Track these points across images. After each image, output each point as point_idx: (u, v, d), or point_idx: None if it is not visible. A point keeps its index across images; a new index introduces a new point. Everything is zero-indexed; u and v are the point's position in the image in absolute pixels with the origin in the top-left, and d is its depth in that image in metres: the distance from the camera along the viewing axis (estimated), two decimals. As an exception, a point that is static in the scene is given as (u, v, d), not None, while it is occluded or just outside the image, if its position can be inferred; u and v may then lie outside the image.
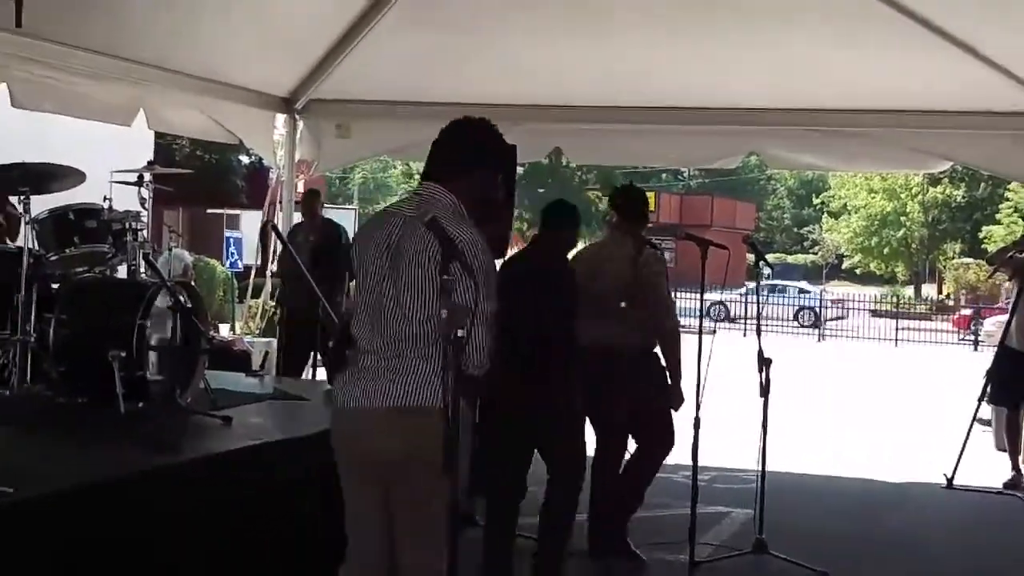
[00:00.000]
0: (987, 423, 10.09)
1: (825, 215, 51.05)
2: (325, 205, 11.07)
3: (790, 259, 57.37)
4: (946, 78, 8.60)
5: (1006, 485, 8.89)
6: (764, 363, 6.38)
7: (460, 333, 3.39)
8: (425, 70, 9.51)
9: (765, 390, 6.40)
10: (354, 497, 3.93)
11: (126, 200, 6.32)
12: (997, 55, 8.22)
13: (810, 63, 8.69)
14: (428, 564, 3.64)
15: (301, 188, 14.98)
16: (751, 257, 6.79)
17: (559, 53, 9.02)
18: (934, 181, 42.25)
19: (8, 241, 6.68)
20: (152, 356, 5.76)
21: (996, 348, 9.50)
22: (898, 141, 9.25)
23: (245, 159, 26.11)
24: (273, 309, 12.11)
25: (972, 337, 26.54)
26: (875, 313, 33.55)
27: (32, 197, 5.71)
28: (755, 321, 6.62)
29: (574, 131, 9.87)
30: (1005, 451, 9.26)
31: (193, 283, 6.59)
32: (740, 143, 9.68)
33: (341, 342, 3.97)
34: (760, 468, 6.47)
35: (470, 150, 3.99)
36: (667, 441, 6.32)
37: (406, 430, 3.64)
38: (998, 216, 39.44)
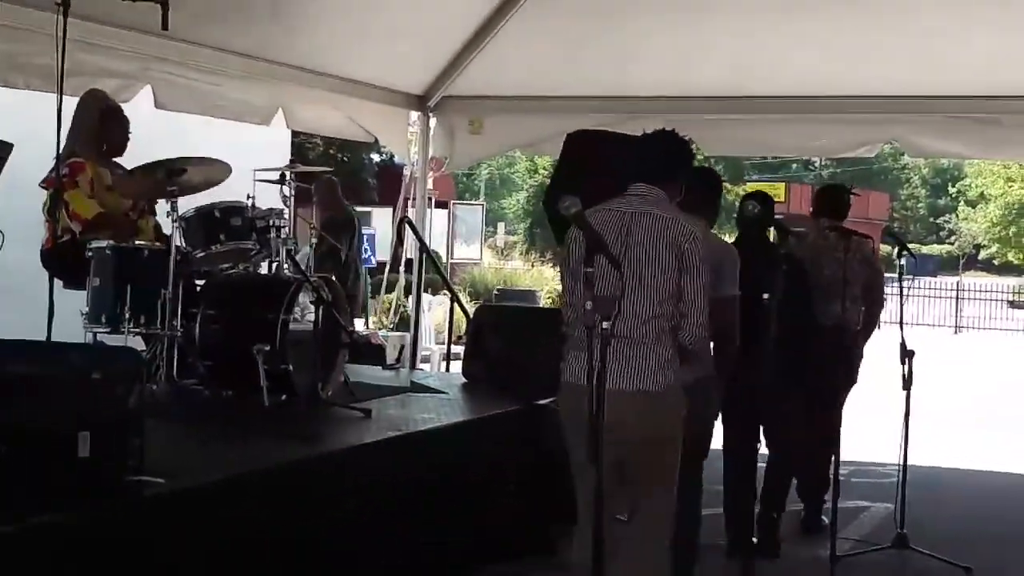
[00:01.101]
0: None
1: (961, 204, 49.79)
2: (453, 201, 11.15)
3: (925, 249, 56.11)
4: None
5: None
6: (907, 355, 6.26)
7: (605, 324, 3.61)
8: (556, 64, 9.52)
9: (908, 382, 6.27)
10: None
11: (267, 199, 6.47)
12: None
13: (950, 48, 8.48)
14: (666, 511, 4.34)
15: (430, 184, 15.13)
16: (884, 248, 6.70)
17: (691, 41, 8.95)
18: (1076, 168, 40.92)
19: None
20: (295, 350, 5.89)
21: None
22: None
23: (376, 157, 26.46)
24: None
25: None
26: (1013, 304, 32.65)
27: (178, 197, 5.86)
28: (898, 312, 6.48)
29: (707, 122, 9.77)
30: None
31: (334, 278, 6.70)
32: (878, 131, 9.47)
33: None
34: (902, 461, 6.35)
35: (676, 158, 4.79)
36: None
37: (643, 413, 4.17)
38: None
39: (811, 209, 7.42)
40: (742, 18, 8.62)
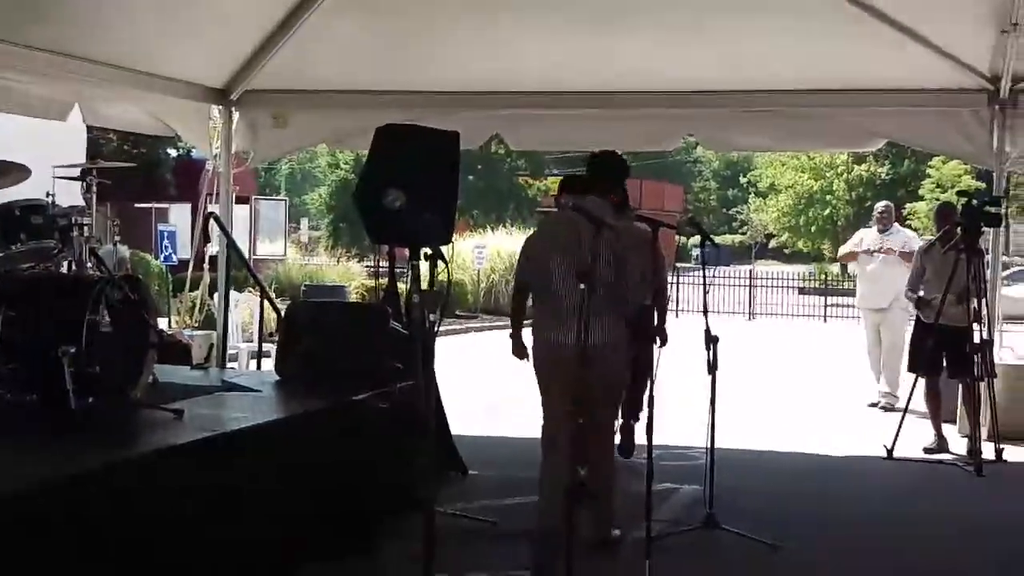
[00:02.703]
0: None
1: (752, 195, 51.56)
2: (255, 197, 11.01)
3: (718, 239, 57.76)
4: (877, 57, 8.78)
5: (926, 450, 9.26)
6: (711, 341, 6.47)
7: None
8: (361, 59, 9.51)
9: (713, 367, 6.49)
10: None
11: (65, 195, 6.27)
12: (932, 34, 8.44)
13: (749, 45, 8.81)
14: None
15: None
16: (679, 238, 6.92)
17: (496, 37, 9.05)
18: (859, 159, 42.80)
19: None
20: (102, 351, 5.72)
21: (914, 322, 9.83)
22: (834, 120, 9.42)
23: (173, 152, 25.84)
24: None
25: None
26: (802, 291, 33.95)
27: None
28: (702, 300, 6.69)
29: (513, 117, 9.91)
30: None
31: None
32: (678, 125, 9.80)
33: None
34: (709, 444, 6.57)
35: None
36: None
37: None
38: (921, 192, 40.04)
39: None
40: (547, 16, 8.75)
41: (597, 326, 5.81)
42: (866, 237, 12.21)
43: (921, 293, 9.52)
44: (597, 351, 5.81)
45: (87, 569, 4.32)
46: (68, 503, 4.33)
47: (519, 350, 6.75)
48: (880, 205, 12.60)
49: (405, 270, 9.10)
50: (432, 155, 7.29)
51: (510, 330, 6.82)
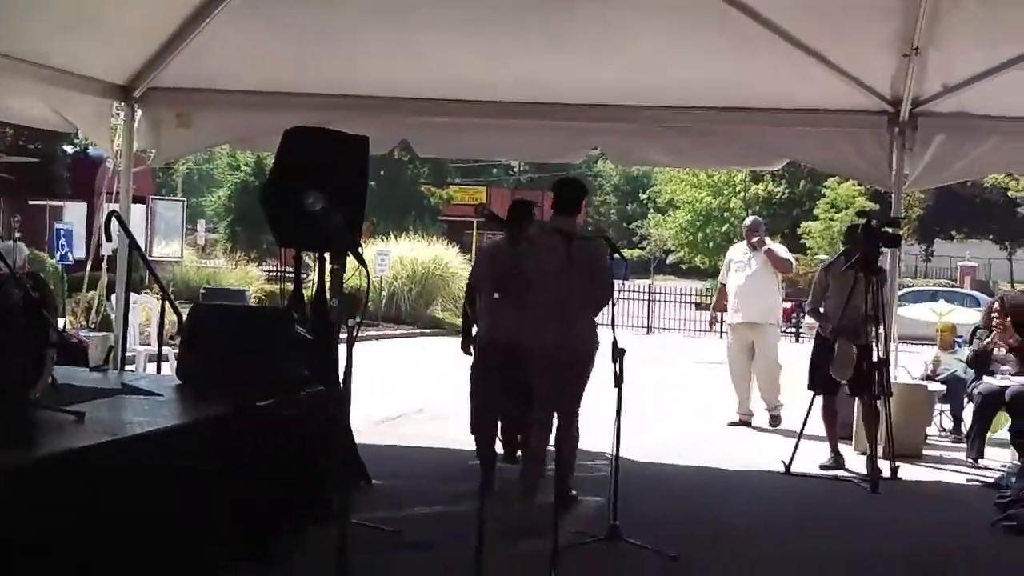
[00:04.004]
0: None
1: (652, 211, 52.04)
2: (152, 197, 10.84)
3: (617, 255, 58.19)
4: (782, 77, 8.93)
5: (823, 467, 9.38)
6: (618, 353, 6.50)
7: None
8: (269, 60, 9.41)
9: (619, 380, 6.51)
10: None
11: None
12: (836, 57, 8.60)
13: (656, 61, 8.90)
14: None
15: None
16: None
17: (405, 42, 9.00)
18: (756, 178, 43.44)
19: None
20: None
21: (814, 339, 9.98)
22: (738, 138, 9.54)
23: (70, 148, 25.28)
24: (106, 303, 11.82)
25: (793, 329, 27.39)
26: (698, 306, 34.37)
27: None
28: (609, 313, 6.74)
29: (421, 125, 9.88)
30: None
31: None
32: (584, 138, 9.85)
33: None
34: (614, 455, 6.60)
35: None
36: None
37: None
38: (816, 211, 40.79)
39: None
40: (457, 23, 8.74)
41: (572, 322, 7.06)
42: (734, 252, 12.21)
43: (822, 309, 9.67)
44: (571, 343, 7.01)
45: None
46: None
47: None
48: (748, 220, 12.62)
49: (307, 275, 9.03)
50: (341, 159, 7.27)
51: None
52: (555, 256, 6.90)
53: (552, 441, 7.43)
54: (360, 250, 5.70)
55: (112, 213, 7.92)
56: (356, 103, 9.61)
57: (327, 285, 6.91)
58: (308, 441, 6.27)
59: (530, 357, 7.41)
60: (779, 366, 11.62)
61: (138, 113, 9.99)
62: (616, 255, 7.01)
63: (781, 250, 11.97)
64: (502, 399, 8.02)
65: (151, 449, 5.43)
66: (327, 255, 7.00)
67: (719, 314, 12.42)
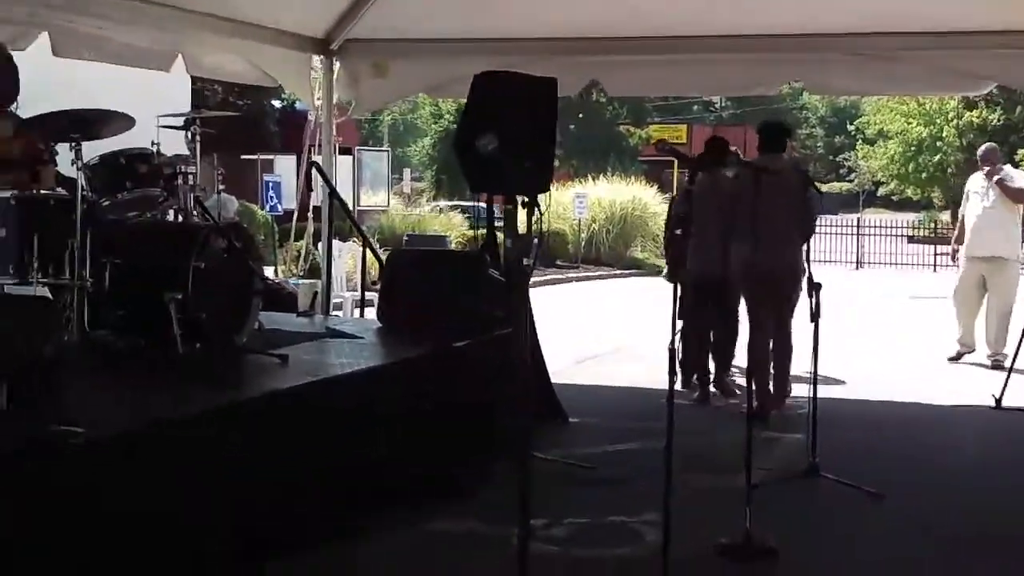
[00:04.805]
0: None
1: (860, 142, 50.58)
2: (358, 148, 11.11)
3: (825, 188, 56.93)
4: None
5: None
6: (814, 288, 6.40)
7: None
8: (460, 6, 9.46)
9: (815, 315, 6.41)
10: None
11: (170, 146, 6.37)
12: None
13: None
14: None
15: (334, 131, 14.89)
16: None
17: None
18: (969, 105, 41.63)
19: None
20: (207, 297, 5.83)
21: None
22: (939, 63, 9.16)
23: (278, 103, 26.09)
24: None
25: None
26: (911, 239, 33.32)
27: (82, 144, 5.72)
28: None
29: (610, 64, 9.81)
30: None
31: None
32: (781, 70, 9.61)
33: None
34: (811, 392, 6.50)
35: None
36: None
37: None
38: (1034, 137, 39.03)
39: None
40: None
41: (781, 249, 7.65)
42: (973, 182, 11.55)
43: None
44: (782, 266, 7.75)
45: (194, 508, 4.43)
46: (174, 444, 4.43)
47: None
48: (982, 148, 11.96)
49: (503, 219, 9.11)
50: (530, 102, 7.26)
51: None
52: (761, 190, 6.93)
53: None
54: (544, 193, 5.74)
55: (312, 163, 8.16)
56: (546, 46, 9.58)
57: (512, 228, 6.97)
58: (501, 380, 6.36)
59: (743, 282, 8.28)
60: (1010, 308, 10.88)
61: (336, 65, 10.21)
62: (813, 189, 6.91)
63: (1018, 178, 11.20)
64: (713, 324, 8.92)
65: (351, 389, 5.62)
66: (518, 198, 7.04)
67: (959, 247, 11.68)
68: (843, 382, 9.80)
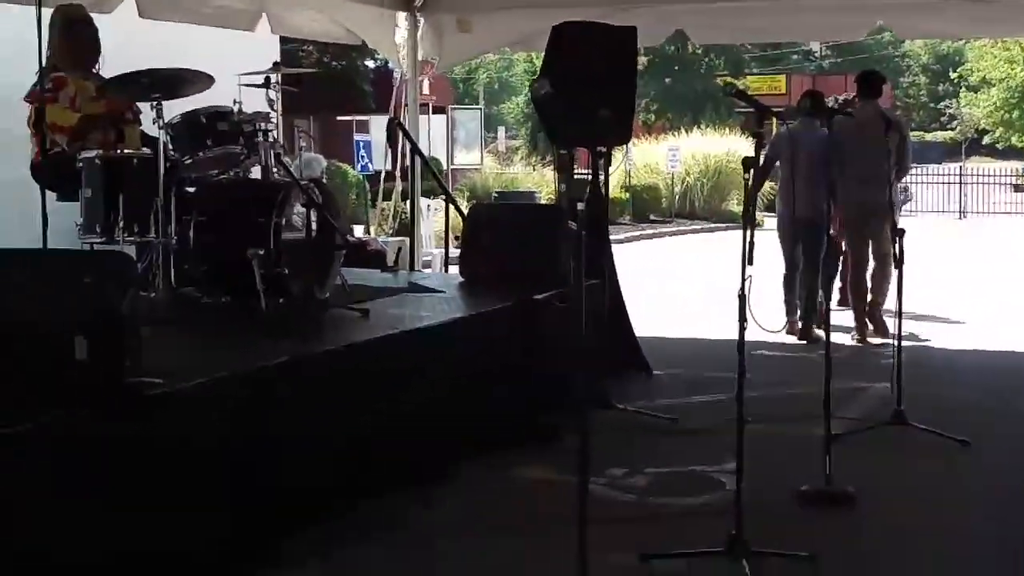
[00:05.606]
0: None
1: (963, 89, 49.36)
2: (452, 107, 11.15)
3: (928, 136, 55.69)
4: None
5: None
6: (897, 234, 6.31)
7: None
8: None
9: (899, 261, 6.32)
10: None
11: (255, 105, 6.44)
12: None
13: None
14: None
15: (427, 88, 14.94)
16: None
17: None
18: (1077, 48, 40.46)
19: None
20: (290, 253, 5.91)
21: None
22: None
23: (371, 64, 26.22)
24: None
25: None
26: (1017, 188, 32.55)
27: (163, 103, 5.83)
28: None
29: (694, 11, 9.70)
30: None
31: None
32: (866, 14, 9.42)
33: None
34: (896, 337, 6.42)
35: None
36: None
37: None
38: None
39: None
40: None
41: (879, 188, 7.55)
42: None
43: None
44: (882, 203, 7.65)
45: (274, 460, 4.52)
46: (254, 392, 4.53)
47: None
48: None
49: (587, 172, 9.10)
50: (609, 52, 7.24)
51: None
52: (860, 133, 8.16)
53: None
54: (626, 143, 5.76)
55: (392, 120, 8.20)
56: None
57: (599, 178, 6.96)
58: (582, 332, 6.36)
59: (843, 222, 9.24)
60: None
61: (420, 22, 10.24)
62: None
63: None
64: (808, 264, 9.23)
65: (429, 341, 5.68)
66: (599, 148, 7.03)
67: None
68: (962, 322, 9.87)
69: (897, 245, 6.28)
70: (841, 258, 9.55)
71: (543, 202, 18.24)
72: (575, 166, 7.98)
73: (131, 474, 3.87)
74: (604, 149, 6.74)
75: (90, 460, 3.73)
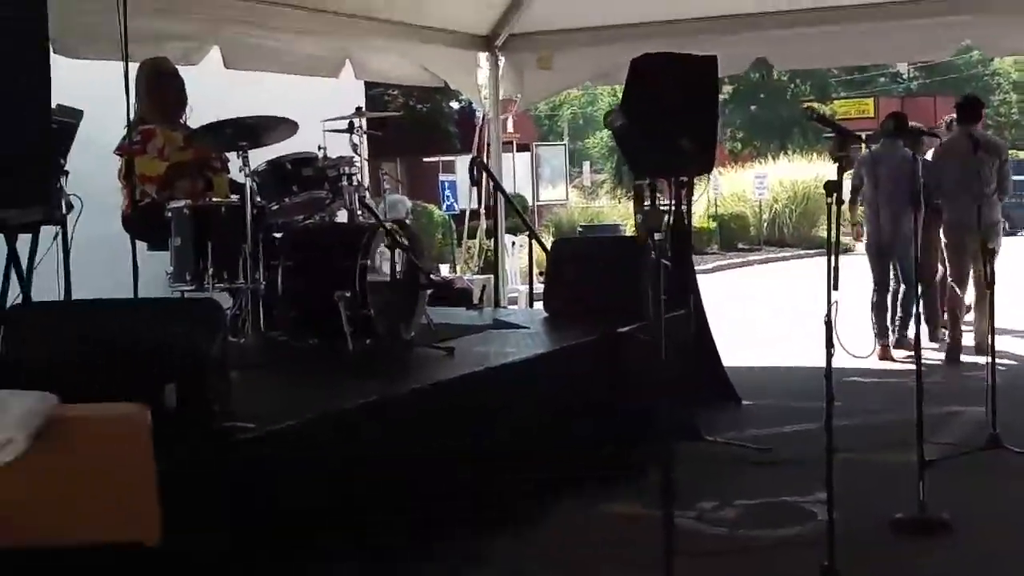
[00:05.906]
0: None
1: (1058, 106, 48.48)
2: (536, 143, 11.24)
3: (1022, 155, 54.69)
4: None
5: None
6: (987, 255, 6.22)
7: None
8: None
9: (990, 282, 6.23)
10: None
11: (340, 150, 6.56)
12: None
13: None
14: None
15: (511, 126, 15.04)
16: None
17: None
18: None
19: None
20: (375, 295, 5.98)
21: None
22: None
23: (455, 104, 26.49)
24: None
25: None
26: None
27: (249, 151, 5.95)
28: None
29: (774, 38, 9.66)
30: None
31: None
32: (951, 32, 9.30)
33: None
34: (990, 359, 6.31)
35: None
36: None
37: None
38: None
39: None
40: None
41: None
42: None
43: None
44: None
45: (368, 497, 4.57)
46: (342, 433, 4.58)
47: None
48: None
49: (668, 203, 9.09)
50: (687, 82, 7.25)
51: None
52: (953, 156, 8.61)
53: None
54: (709, 172, 5.77)
55: (474, 159, 8.28)
56: (708, 25, 9.51)
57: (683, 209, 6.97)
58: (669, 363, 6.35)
59: (945, 237, 9.43)
60: None
61: (501, 61, 10.34)
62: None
63: None
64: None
65: (515, 377, 5.71)
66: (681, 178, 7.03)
67: None
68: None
69: (989, 266, 6.19)
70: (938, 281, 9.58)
71: (626, 234, 18.23)
72: (658, 196, 7.99)
73: (223, 517, 3.93)
74: (686, 179, 6.75)
75: (184, 506, 3.79)
